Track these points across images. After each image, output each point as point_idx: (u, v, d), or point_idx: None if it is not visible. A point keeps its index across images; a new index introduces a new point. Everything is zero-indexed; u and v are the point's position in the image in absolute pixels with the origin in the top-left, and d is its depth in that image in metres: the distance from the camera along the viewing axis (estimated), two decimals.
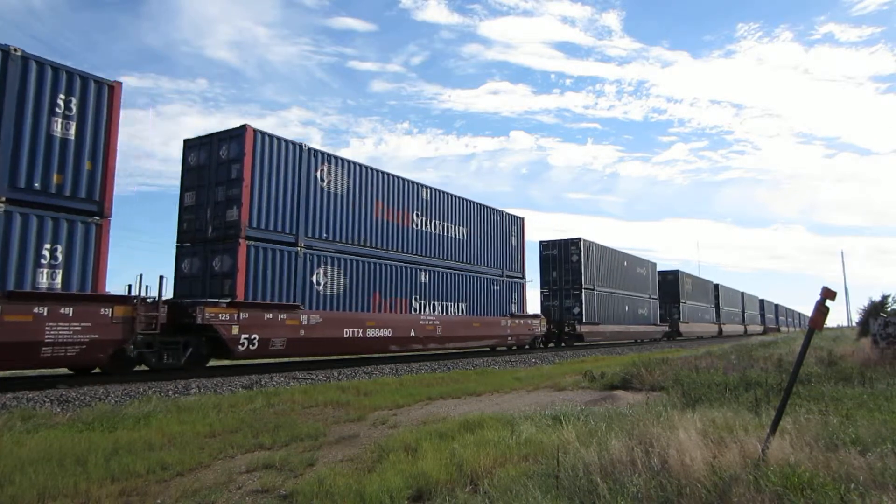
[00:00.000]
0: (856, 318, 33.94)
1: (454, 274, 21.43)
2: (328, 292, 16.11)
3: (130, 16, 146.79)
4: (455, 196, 22.35)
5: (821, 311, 4.51)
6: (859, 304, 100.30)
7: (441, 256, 21.01)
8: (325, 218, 16.41)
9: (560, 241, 32.53)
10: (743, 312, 71.61)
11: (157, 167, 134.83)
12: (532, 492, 3.75)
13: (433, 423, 7.06)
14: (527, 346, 26.28)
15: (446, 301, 20.79)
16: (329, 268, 16.22)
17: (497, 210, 24.93)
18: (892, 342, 13.56)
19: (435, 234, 20.79)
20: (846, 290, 71.97)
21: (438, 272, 20.59)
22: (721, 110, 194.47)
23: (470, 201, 23.12)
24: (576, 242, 31.96)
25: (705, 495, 3.53)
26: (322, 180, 16.33)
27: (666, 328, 44.76)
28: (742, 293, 72.69)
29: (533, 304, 32.48)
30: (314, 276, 15.78)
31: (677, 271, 48.47)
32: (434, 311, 20.07)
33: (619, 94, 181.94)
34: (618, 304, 36.12)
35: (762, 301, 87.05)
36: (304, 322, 15.10)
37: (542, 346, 28.56)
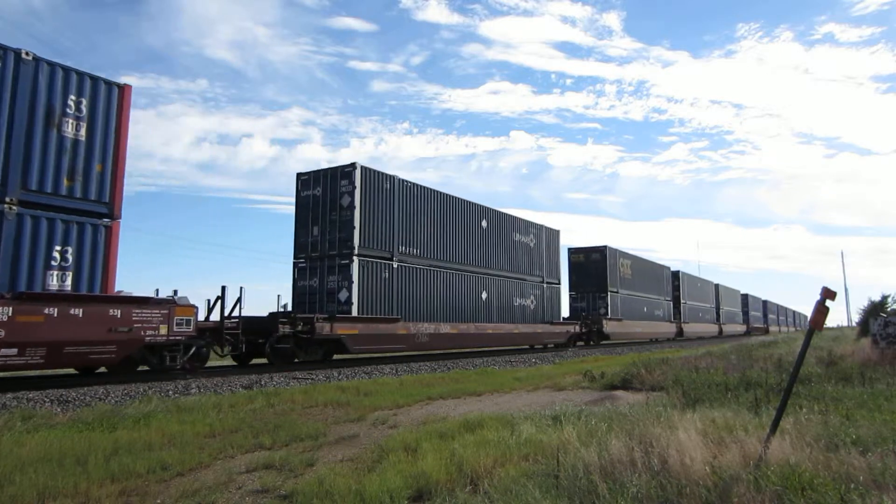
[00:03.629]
0: (856, 318, 33.07)
1: None
2: None
3: (130, 16, 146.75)
4: None
5: (821, 311, 4.51)
6: (859, 304, 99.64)
7: None
8: None
9: (326, 171, 18.63)
10: (718, 309, 59.69)
11: (157, 167, 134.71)
12: (532, 492, 3.75)
13: (433, 423, 7.06)
14: None
15: None
16: None
17: None
18: (892, 342, 13.56)
19: None
20: (846, 290, 70.02)
21: None
22: (721, 110, 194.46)
23: None
24: (348, 173, 17.98)
25: (705, 495, 3.53)
26: None
27: (575, 328, 30.22)
28: (716, 285, 60.62)
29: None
30: None
31: (605, 248, 35.00)
32: None
33: (619, 94, 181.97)
34: (450, 289, 21.43)
35: (746, 296, 74.75)
36: None
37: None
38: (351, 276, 17.54)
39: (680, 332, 46.28)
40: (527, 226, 27.35)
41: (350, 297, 17.43)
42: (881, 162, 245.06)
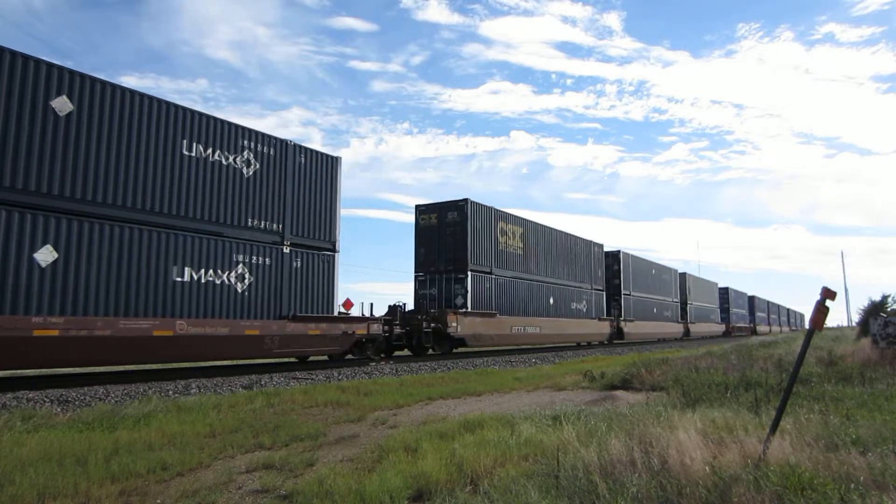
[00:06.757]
0: (856, 318, 32.89)
1: None
2: None
3: (130, 16, 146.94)
4: None
5: (821, 310, 4.51)
6: (859, 304, 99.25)
7: None
8: None
9: None
10: (684, 304, 48.23)
11: None
12: (532, 492, 3.75)
13: (433, 423, 7.06)
14: None
15: None
16: None
17: None
18: (892, 342, 13.55)
19: None
20: (846, 290, 68.89)
21: None
22: (722, 110, 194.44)
23: None
24: None
25: (705, 495, 3.53)
26: None
27: (371, 328, 17.83)
28: (682, 274, 48.82)
29: None
30: None
31: (465, 203, 22.21)
32: None
33: (619, 94, 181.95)
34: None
35: (726, 290, 63.37)
36: None
37: None
38: None
39: (617, 333, 34.55)
40: (232, 133, 14.27)
41: None
42: (881, 162, 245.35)
